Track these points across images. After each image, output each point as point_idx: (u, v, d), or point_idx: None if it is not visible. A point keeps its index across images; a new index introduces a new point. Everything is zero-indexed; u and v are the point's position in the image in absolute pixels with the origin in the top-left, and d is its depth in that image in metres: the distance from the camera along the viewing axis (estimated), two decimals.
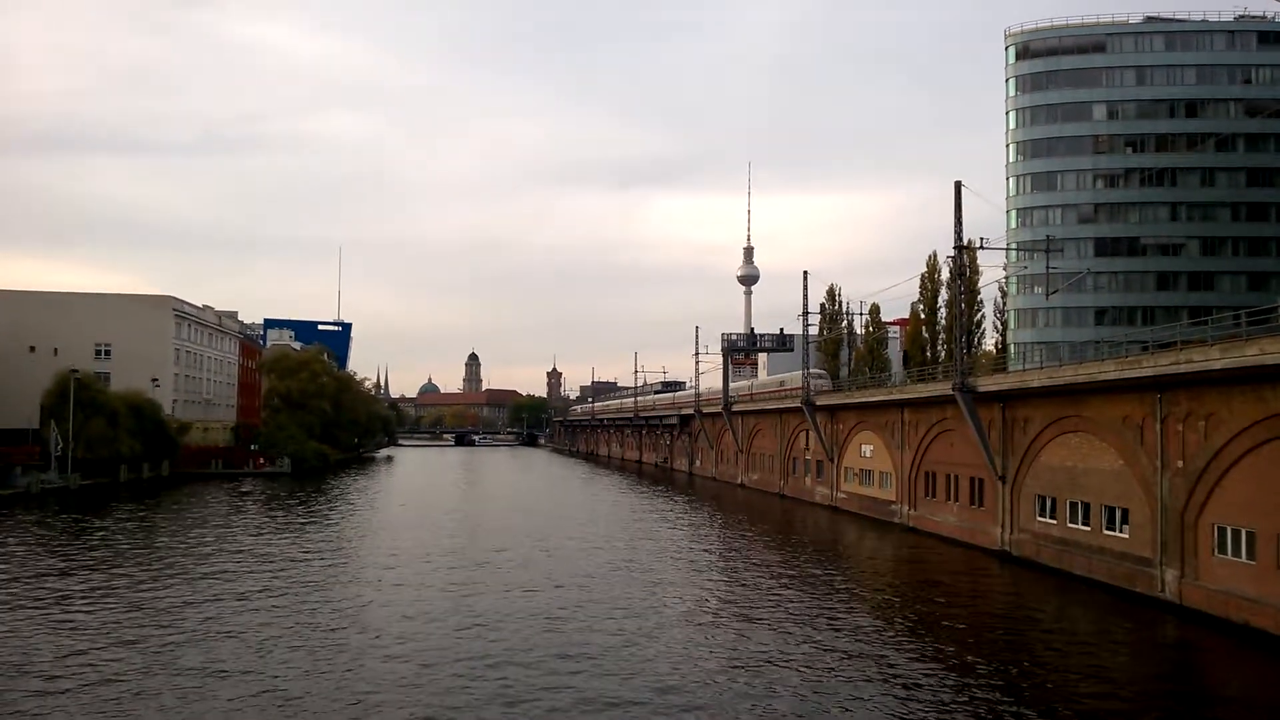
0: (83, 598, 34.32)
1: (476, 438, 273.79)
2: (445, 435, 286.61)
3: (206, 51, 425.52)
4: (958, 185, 50.47)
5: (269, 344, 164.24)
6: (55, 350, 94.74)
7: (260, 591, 36.14)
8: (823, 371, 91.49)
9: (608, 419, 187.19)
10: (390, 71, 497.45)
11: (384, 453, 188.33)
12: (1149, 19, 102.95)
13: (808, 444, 78.86)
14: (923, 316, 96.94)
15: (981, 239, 52.42)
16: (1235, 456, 31.64)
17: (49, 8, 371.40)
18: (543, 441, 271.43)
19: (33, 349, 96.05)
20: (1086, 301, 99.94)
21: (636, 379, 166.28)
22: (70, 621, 30.56)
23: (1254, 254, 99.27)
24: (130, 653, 26.72)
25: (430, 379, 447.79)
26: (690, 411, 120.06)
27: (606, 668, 26.05)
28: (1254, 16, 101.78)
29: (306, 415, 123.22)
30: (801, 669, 26.18)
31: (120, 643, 27.80)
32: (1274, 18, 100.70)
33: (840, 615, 33.53)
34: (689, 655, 27.68)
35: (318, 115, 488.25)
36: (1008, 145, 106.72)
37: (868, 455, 66.98)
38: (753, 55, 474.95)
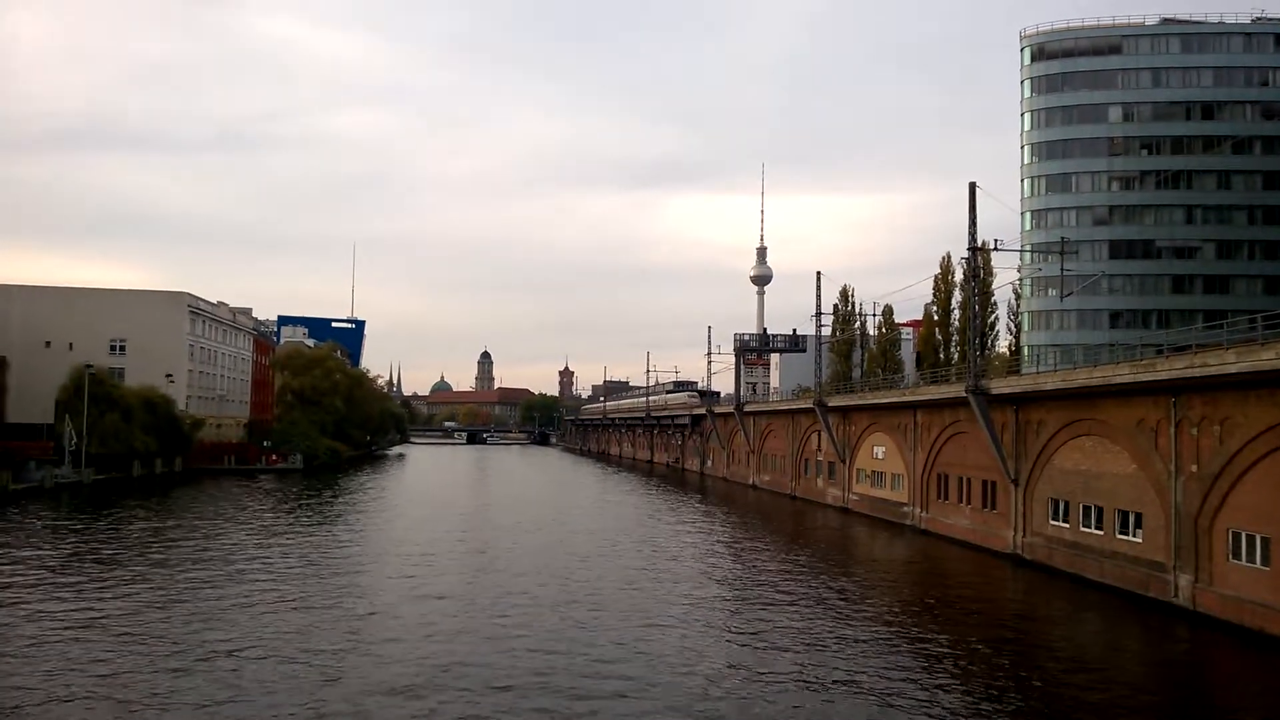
0: (95, 590, 34.50)
1: (488, 436, 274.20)
2: (457, 434, 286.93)
3: (223, 49, 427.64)
4: (972, 186, 50.35)
5: (283, 341, 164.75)
6: (70, 345, 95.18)
7: (276, 588, 36.25)
8: (696, 393, 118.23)
9: (619, 418, 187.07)
10: (406, 70, 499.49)
11: (396, 450, 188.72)
12: (1165, 20, 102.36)
13: (819, 445, 78.72)
14: (936, 318, 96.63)
15: (996, 240, 52.38)
16: (1250, 461, 31.46)
17: (68, 5, 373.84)
18: (554, 440, 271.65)
19: (48, 344, 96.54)
20: (1101, 304, 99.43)
21: (648, 378, 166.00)
22: (81, 621, 30.64)
23: (1270, 257, 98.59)
24: (148, 647, 26.84)
25: (443, 377, 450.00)
26: (702, 411, 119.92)
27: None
28: (1271, 18, 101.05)
29: (319, 412, 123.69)
30: (804, 671, 26.12)
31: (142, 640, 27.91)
32: None
33: (851, 618, 33.43)
34: (699, 658, 27.71)
35: (334, 113, 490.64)
36: (1023, 147, 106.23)
37: (880, 457, 66.81)
38: (768, 55, 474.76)
